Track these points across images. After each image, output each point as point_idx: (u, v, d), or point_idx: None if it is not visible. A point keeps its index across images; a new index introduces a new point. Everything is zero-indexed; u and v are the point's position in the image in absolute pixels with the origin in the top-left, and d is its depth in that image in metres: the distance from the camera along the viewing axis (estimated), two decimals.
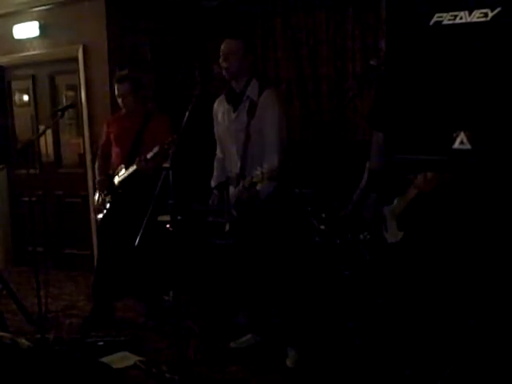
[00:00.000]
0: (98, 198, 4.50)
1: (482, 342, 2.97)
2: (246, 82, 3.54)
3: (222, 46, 3.54)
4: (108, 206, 4.42)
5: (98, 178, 4.53)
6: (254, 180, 3.25)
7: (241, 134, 3.52)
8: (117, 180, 4.38)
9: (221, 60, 3.53)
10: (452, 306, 3.06)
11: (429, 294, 3.11)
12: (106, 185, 4.44)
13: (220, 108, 3.72)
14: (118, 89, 4.37)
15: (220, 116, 3.71)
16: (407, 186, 3.14)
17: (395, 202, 3.26)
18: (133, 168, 4.22)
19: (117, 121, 4.55)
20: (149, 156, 4.06)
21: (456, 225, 3.01)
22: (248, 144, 3.50)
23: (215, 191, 3.75)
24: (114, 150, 4.47)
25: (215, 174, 3.85)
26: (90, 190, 5.54)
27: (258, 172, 3.23)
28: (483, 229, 2.87)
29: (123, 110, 4.46)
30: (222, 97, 3.72)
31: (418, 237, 3.14)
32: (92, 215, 4.55)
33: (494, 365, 2.92)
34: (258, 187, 3.37)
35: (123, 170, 4.33)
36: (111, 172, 4.47)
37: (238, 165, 3.54)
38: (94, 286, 4.48)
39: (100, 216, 4.50)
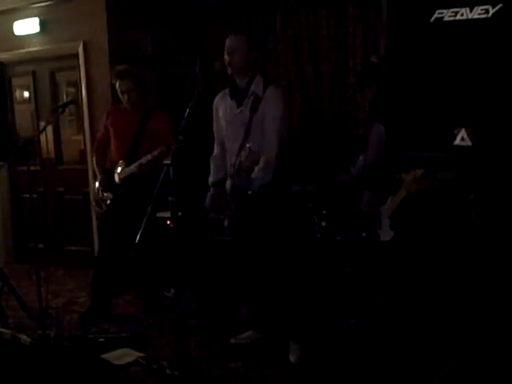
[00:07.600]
0: (98, 191, 4.45)
1: (482, 339, 2.98)
2: (250, 78, 3.54)
3: (227, 42, 3.54)
4: (108, 202, 4.38)
5: (98, 175, 4.47)
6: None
7: (242, 129, 3.52)
8: (117, 178, 4.34)
9: (225, 55, 3.53)
10: (449, 305, 3.07)
11: (424, 293, 3.12)
12: (106, 182, 4.40)
13: (222, 103, 3.71)
14: (120, 85, 4.32)
15: (221, 111, 3.70)
16: (399, 185, 3.15)
17: (388, 200, 3.27)
18: (132, 169, 4.19)
19: (117, 113, 4.48)
20: (150, 157, 4.02)
21: (444, 226, 3.01)
22: (248, 139, 3.50)
23: (212, 189, 3.73)
24: (114, 144, 4.42)
25: (212, 171, 3.83)
26: (91, 187, 5.52)
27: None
28: (477, 231, 2.88)
29: (126, 105, 4.41)
30: (224, 92, 3.71)
31: (408, 238, 3.15)
32: (93, 207, 4.48)
33: (494, 362, 2.92)
34: (253, 175, 3.35)
35: (123, 168, 4.29)
36: (110, 167, 4.42)
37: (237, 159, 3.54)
38: (93, 283, 4.49)
39: (98, 208, 4.46)
